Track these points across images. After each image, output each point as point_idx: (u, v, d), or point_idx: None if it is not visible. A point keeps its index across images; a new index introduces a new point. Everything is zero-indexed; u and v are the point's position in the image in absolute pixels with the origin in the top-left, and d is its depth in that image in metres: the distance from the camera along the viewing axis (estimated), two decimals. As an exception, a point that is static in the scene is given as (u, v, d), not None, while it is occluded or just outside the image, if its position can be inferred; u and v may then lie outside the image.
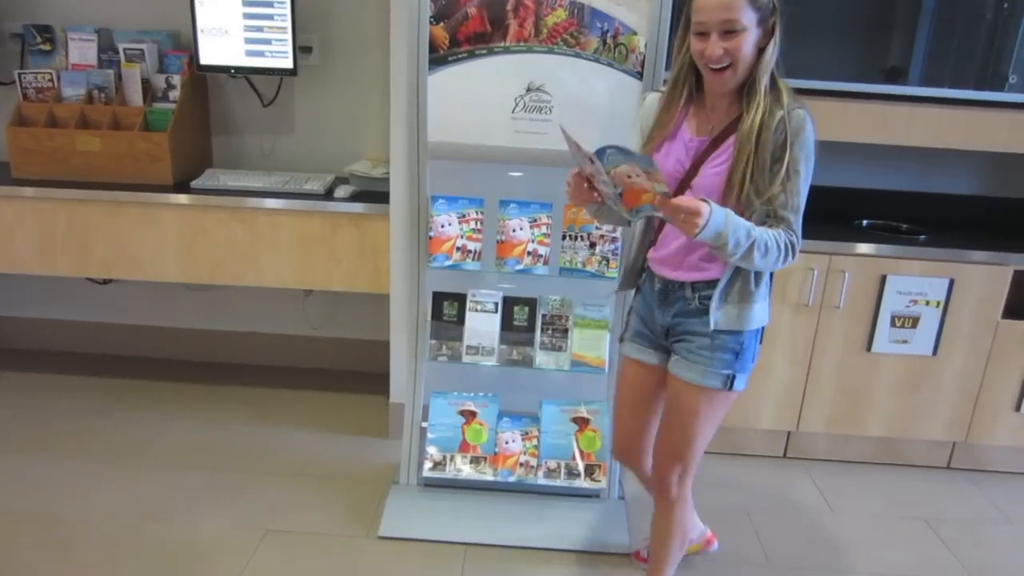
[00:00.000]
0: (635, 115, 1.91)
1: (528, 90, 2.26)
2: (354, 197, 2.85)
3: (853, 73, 2.84)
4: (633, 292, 1.99)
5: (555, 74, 2.25)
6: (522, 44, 2.23)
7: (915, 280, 2.76)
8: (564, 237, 2.42)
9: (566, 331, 2.51)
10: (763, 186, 1.62)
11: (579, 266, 2.44)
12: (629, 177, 1.51)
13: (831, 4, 2.79)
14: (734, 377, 1.79)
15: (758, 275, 1.73)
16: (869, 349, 2.84)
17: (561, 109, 2.27)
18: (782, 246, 1.62)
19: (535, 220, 2.41)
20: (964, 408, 2.89)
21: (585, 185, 1.65)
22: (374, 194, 2.85)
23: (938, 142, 2.80)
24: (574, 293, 2.52)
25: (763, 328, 1.83)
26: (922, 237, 2.91)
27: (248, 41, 2.91)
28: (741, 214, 1.60)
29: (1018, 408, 2.89)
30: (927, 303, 2.79)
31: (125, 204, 2.81)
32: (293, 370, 3.52)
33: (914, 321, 2.81)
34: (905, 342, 2.83)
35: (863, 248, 2.76)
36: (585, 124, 2.24)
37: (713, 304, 1.73)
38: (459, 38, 2.23)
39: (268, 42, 2.91)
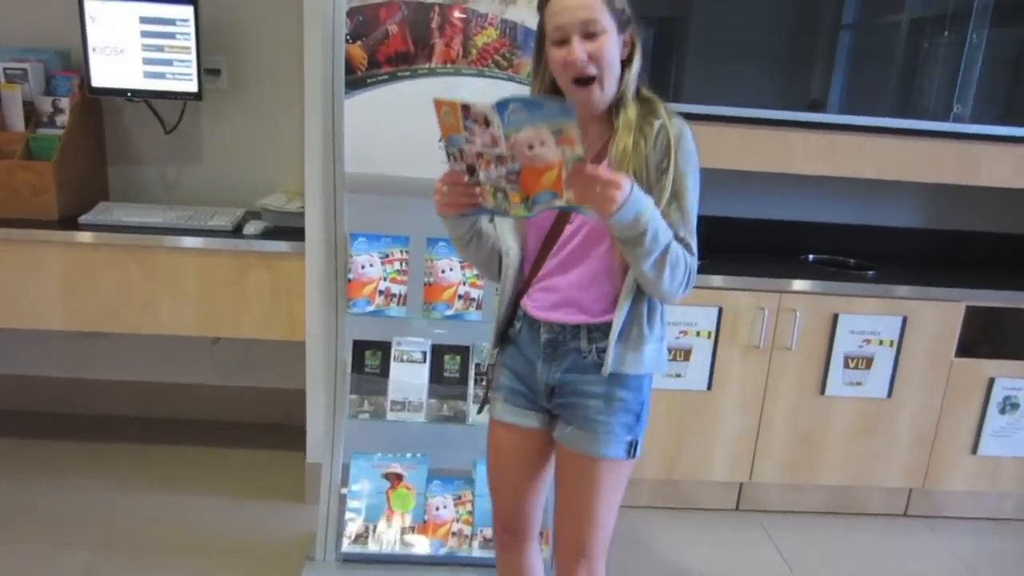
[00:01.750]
0: None
1: (457, 116, 2.04)
2: (266, 234, 2.57)
3: (797, 102, 2.72)
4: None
5: (486, 98, 2.02)
6: (449, 66, 2.01)
7: (868, 319, 2.63)
8: (498, 278, 2.19)
9: (502, 381, 2.27)
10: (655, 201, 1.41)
11: (516, 310, 2.21)
12: (531, 148, 1.21)
13: (764, 31, 2.68)
14: (636, 442, 1.54)
15: (651, 312, 1.50)
16: (823, 392, 2.69)
17: (494, 138, 2.05)
18: (687, 267, 1.41)
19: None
20: (920, 452, 2.77)
21: (465, 179, 1.34)
22: (289, 231, 2.58)
23: (884, 174, 2.69)
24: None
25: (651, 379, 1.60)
26: (871, 273, 2.79)
27: (147, 62, 2.62)
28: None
29: (974, 451, 2.77)
30: (880, 342, 2.66)
31: (1, 242, 2.47)
32: (198, 424, 3.18)
33: (868, 362, 2.67)
34: (859, 384, 2.69)
35: (813, 286, 2.61)
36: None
37: (611, 343, 1.46)
38: (379, 58, 2.00)
39: (169, 63, 2.62)
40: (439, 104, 1.26)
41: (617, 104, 1.44)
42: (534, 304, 1.56)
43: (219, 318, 2.57)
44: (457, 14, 1.98)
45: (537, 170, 1.23)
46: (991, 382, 2.71)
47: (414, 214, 2.20)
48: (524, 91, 1.99)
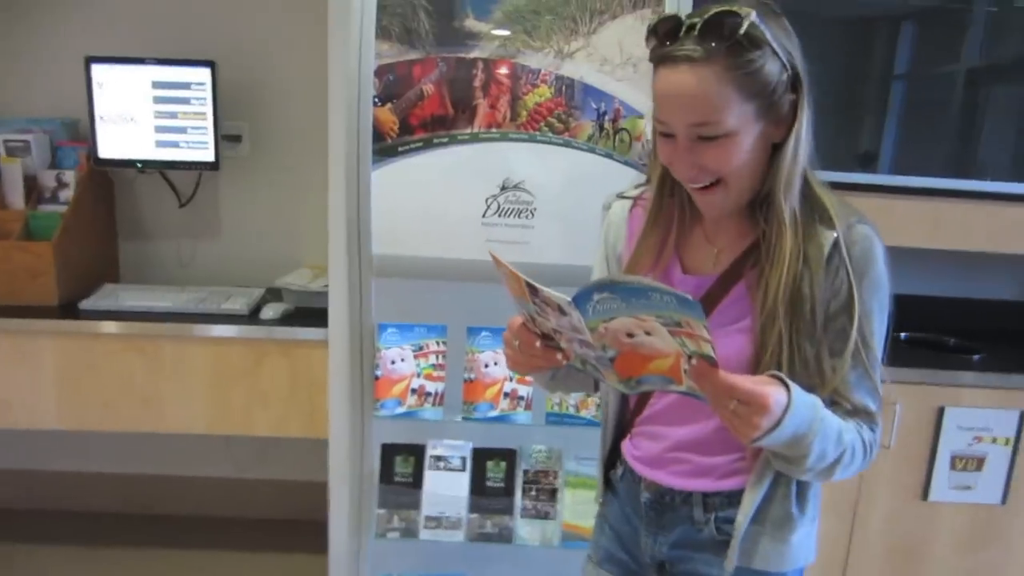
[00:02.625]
0: (597, 233, 1.27)
1: (503, 188, 1.76)
2: (286, 318, 2.29)
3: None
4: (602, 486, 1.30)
5: (538, 168, 1.75)
6: (495, 130, 1.74)
7: (978, 413, 2.26)
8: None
9: (554, 492, 1.95)
10: (819, 359, 1.01)
11: (570, 411, 1.89)
12: (631, 336, 0.88)
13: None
14: None
15: (803, 485, 1.10)
16: (925, 497, 2.31)
17: (546, 213, 1.75)
18: (865, 449, 1.03)
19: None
20: (1041, 567, 2.36)
21: (538, 343, 1.01)
22: (313, 312, 2.29)
23: (993, 245, 2.35)
24: (564, 442, 1.96)
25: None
26: (976, 357, 2.42)
27: (159, 130, 2.39)
28: None
29: (1104, 565, 2.36)
30: (994, 440, 2.28)
31: (-6, 331, 2.22)
32: (214, 521, 2.86)
33: (978, 463, 2.29)
34: (968, 488, 2.31)
35: (916, 374, 2.25)
36: (575, 233, 1.73)
37: (739, 532, 1.08)
38: (412, 123, 1.73)
39: (183, 130, 2.39)
40: (496, 261, 0.97)
41: (765, 202, 1.03)
42: (636, 453, 1.18)
43: (230, 415, 2.28)
44: (503, 70, 1.71)
45: (640, 358, 0.91)
46: (1123, 486, 2.31)
47: (452, 300, 1.92)
48: (580, 157, 1.71)
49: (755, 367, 1.01)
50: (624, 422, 1.22)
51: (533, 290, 0.92)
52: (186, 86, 2.36)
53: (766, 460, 1.06)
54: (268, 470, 2.87)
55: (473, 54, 1.74)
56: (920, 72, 2.47)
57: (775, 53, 0.95)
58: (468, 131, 1.75)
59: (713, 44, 0.92)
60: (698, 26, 0.93)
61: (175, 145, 2.41)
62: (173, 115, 2.38)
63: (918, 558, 2.35)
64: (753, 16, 0.93)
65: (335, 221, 2.06)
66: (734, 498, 1.09)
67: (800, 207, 1.03)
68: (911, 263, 2.67)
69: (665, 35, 0.96)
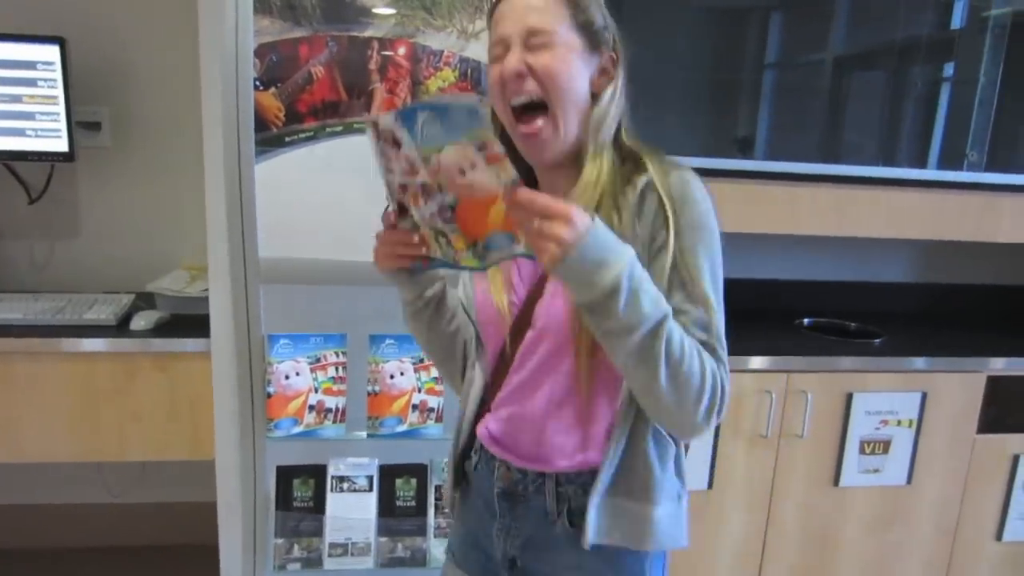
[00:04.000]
0: None
1: (406, 183, 1.59)
2: (161, 327, 2.05)
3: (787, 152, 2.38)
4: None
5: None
6: (395, 118, 1.56)
7: (883, 397, 2.28)
8: (462, 381, 1.74)
9: (469, 507, 1.80)
10: None
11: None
12: (463, 173, 0.86)
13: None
14: None
15: (663, 453, 1.05)
16: (837, 483, 2.31)
17: (454, 208, 1.60)
18: (712, 376, 0.94)
19: (423, 360, 1.71)
20: (942, 543, 2.43)
21: (391, 209, 0.99)
22: (192, 320, 2.04)
23: (893, 231, 2.37)
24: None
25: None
26: (877, 341, 2.44)
27: (2, 115, 2.08)
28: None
29: (999, 536, 2.44)
30: (898, 423, 2.30)
31: None
32: (90, 552, 2.58)
33: (885, 446, 2.31)
34: (876, 471, 2.33)
35: (824, 362, 2.24)
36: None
37: (593, 498, 1.03)
38: (300, 110, 1.54)
39: (31, 116, 2.09)
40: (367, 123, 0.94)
41: (582, 153, 1.03)
42: (491, 431, 1.12)
43: (100, 439, 2.01)
44: (402, 51, 1.54)
45: (478, 203, 0.88)
46: (1016, 459, 2.39)
47: (350, 306, 1.75)
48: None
49: (569, 325, 1.01)
50: (483, 406, 1.15)
51: (375, 127, 0.91)
52: (31, 65, 2.06)
53: (622, 422, 1.03)
54: (150, 493, 2.60)
55: (367, 33, 1.56)
56: (790, 60, 2.47)
57: (600, 6, 1.04)
58: (364, 118, 1.57)
59: None
60: None
61: (20, 133, 2.11)
62: (18, 98, 2.08)
63: (832, 543, 2.36)
64: None
65: (214, 219, 1.83)
66: (585, 482, 1.05)
67: (616, 158, 1.05)
68: (807, 248, 2.68)
69: None
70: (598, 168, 1.02)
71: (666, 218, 0.97)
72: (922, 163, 2.47)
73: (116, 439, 2.03)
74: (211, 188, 1.80)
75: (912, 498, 2.37)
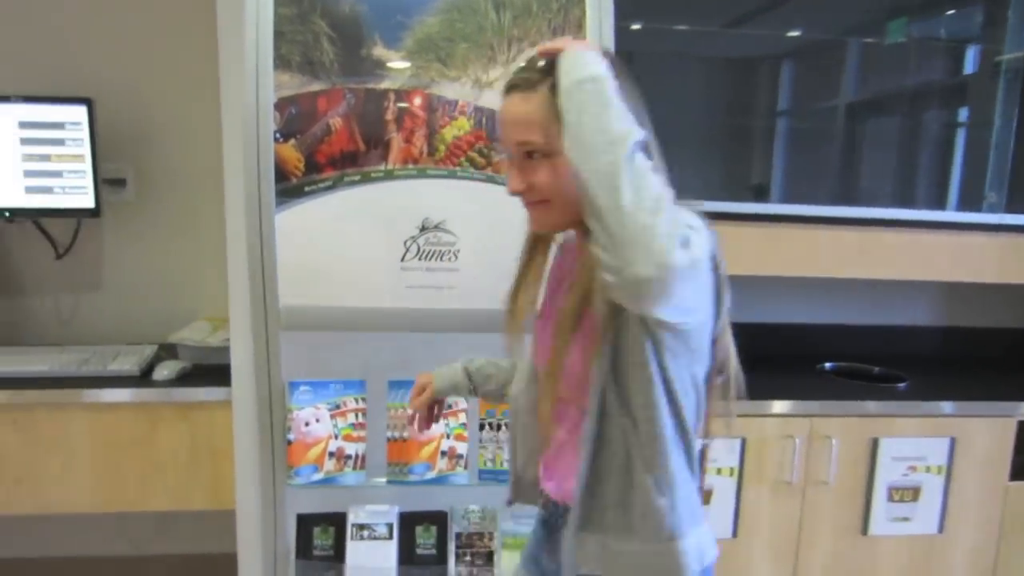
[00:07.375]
0: None
1: (423, 229, 1.61)
2: (183, 377, 2.07)
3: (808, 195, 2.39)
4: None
5: (460, 206, 1.61)
6: (411, 167, 1.59)
7: (910, 442, 2.23)
8: (482, 427, 1.73)
9: (491, 555, 1.79)
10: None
11: (504, 466, 1.74)
12: None
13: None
14: None
15: (652, 454, 1.04)
16: (865, 532, 2.25)
17: (471, 254, 1.62)
18: (667, 198, 0.90)
19: (450, 407, 1.71)
20: (980, 594, 2.33)
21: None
22: (213, 370, 2.06)
23: (913, 272, 2.35)
24: (498, 500, 1.80)
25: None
26: (902, 385, 2.40)
27: (29, 174, 2.14)
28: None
29: (1038, 586, 2.35)
30: (927, 469, 2.25)
31: None
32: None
33: (915, 493, 2.26)
34: (907, 519, 2.27)
35: (849, 407, 2.20)
36: (504, 275, 1.60)
37: (569, 530, 1.08)
38: (319, 160, 1.57)
39: (59, 174, 2.15)
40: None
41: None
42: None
43: (122, 490, 2.03)
44: (418, 102, 1.57)
45: None
46: (1051, 507, 2.32)
47: (370, 353, 1.75)
48: (512, 197, 1.58)
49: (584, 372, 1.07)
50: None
51: None
52: (59, 126, 2.12)
53: (588, 436, 1.06)
54: (170, 544, 2.59)
55: (383, 85, 1.59)
56: (802, 107, 2.51)
57: None
58: (382, 168, 1.60)
59: (539, 74, 1.02)
60: (530, 60, 1.06)
61: (48, 191, 2.16)
62: (45, 157, 2.14)
63: (861, 594, 2.29)
64: None
65: (235, 269, 1.86)
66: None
67: None
68: (827, 291, 2.66)
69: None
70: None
71: None
72: (941, 205, 2.47)
73: (138, 490, 2.03)
74: (232, 238, 1.84)
75: (945, 548, 2.30)
